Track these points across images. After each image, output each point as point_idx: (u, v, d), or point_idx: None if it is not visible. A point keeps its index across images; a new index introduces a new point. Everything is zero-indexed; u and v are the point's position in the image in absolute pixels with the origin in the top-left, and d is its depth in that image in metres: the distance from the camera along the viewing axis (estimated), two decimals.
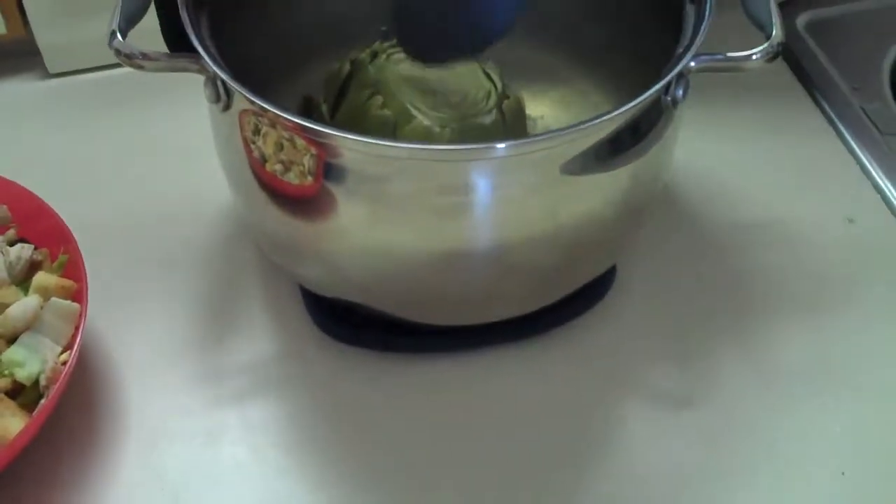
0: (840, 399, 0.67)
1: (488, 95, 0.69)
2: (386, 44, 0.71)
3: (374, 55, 0.70)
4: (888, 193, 0.78)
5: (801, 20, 0.92)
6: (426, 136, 0.67)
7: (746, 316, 0.71)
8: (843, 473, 0.63)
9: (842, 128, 0.83)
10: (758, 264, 0.74)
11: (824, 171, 0.81)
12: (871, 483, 0.63)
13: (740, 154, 0.82)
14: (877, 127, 0.82)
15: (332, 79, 0.71)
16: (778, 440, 0.65)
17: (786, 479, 0.63)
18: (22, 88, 0.88)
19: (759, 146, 0.83)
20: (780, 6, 0.91)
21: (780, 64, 0.88)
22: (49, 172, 0.78)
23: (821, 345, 0.70)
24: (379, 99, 0.68)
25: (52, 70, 0.88)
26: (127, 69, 0.59)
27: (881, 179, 0.79)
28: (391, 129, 0.67)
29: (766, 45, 0.59)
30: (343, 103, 0.70)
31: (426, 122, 0.67)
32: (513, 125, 0.70)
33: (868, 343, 0.70)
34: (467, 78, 0.69)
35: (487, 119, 0.68)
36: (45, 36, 0.86)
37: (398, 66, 0.69)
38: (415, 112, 0.67)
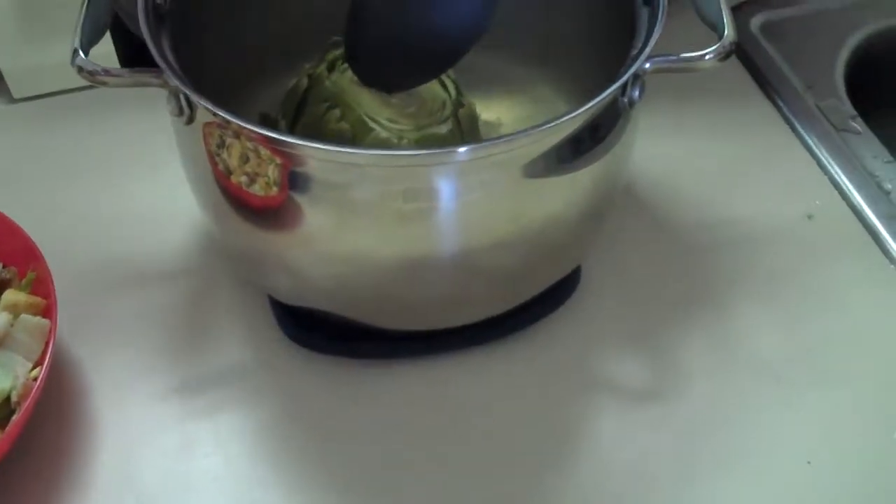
0: (804, 389, 0.68)
1: (444, 105, 0.70)
2: (339, 51, 0.71)
3: (332, 67, 0.70)
4: (845, 189, 0.80)
5: (755, 22, 0.94)
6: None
7: (711, 311, 0.72)
8: (808, 462, 0.64)
9: (797, 125, 0.84)
10: (720, 261, 0.75)
11: (782, 169, 0.82)
12: (835, 471, 0.64)
13: (699, 153, 0.83)
14: (832, 123, 0.84)
15: (290, 94, 0.71)
16: (745, 431, 0.66)
17: (754, 469, 0.64)
18: None
19: (716, 145, 0.84)
20: (735, 8, 0.94)
21: (735, 65, 0.90)
22: (16, 192, 0.78)
23: (785, 337, 0.71)
24: (336, 112, 0.68)
25: (16, 95, 0.88)
26: (91, 89, 0.59)
27: (838, 175, 0.80)
28: (349, 143, 0.67)
29: (718, 45, 0.60)
30: (301, 118, 0.70)
31: (384, 134, 0.67)
32: (468, 133, 0.71)
33: (830, 334, 0.71)
34: (422, 87, 0.69)
35: (444, 129, 0.69)
36: (8, 62, 0.86)
37: (355, 79, 0.69)
38: (372, 125, 0.67)
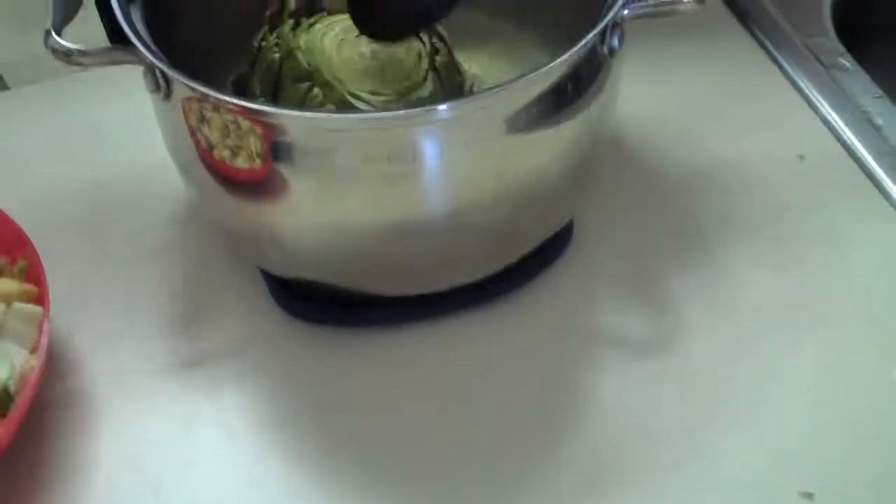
0: (803, 331, 0.68)
1: (419, 57, 0.69)
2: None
3: (296, 25, 0.69)
4: (836, 127, 0.79)
5: None
6: None
7: (706, 258, 0.72)
8: (810, 405, 0.64)
9: (785, 65, 0.83)
10: (714, 207, 0.75)
11: (771, 110, 0.81)
12: (837, 412, 0.64)
13: (686, 98, 0.82)
14: (820, 61, 0.83)
15: (265, 68, 0.68)
16: (746, 377, 0.66)
17: (756, 415, 0.64)
18: None
19: (704, 89, 0.83)
20: None
21: (720, 7, 0.89)
22: (3, 180, 0.78)
23: (781, 280, 0.71)
24: (318, 93, 0.66)
25: (11, 85, 0.88)
26: (80, 74, 0.59)
27: (828, 113, 0.80)
28: None
29: None
30: (280, 95, 0.68)
31: (368, 109, 0.67)
32: (449, 84, 0.69)
33: (827, 275, 0.71)
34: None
35: (426, 91, 0.68)
36: (2, 54, 0.86)
37: (324, 39, 0.67)
38: (355, 102, 0.66)
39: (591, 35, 0.56)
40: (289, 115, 0.57)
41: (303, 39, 0.66)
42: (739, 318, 0.69)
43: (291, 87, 0.67)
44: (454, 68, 0.71)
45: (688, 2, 0.59)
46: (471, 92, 0.72)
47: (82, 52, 0.59)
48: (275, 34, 0.67)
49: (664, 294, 0.70)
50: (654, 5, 0.60)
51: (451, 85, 0.70)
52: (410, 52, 0.69)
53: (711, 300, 0.70)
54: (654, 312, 0.70)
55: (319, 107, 0.66)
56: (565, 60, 0.56)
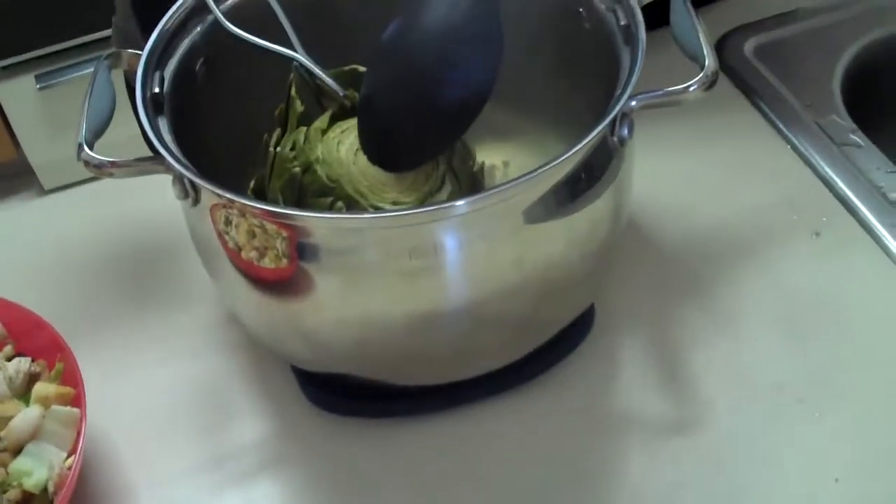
0: (826, 407, 0.68)
1: (437, 162, 0.69)
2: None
3: (306, 138, 0.68)
4: (851, 203, 0.80)
5: (749, 45, 0.95)
6: None
7: (728, 338, 0.73)
8: (836, 480, 0.64)
9: (798, 144, 0.84)
10: (733, 287, 0.76)
11: (787, 189, 0.82)
12: (864, 487, 0.64)
13: (703, 182, 0.84)
14: (832, 139, 0.85)
15: (287, 184, 0.67)
16: (771, 454, 0.66)
17: (783, 492, 0.64)
18: (20, 207, 0.89)
19: (719, 172, 0.84)
20: (728, 34, 0.95)
21: (732, 90, 0.91)
22: (40, 285, 0.81)
23: (802, 357, 0.71)
24: (341, 207, 0.65)
25: (47, 187, 0.90)
26: None
27: (842, 190, 0.81)
28: None
29: (700, 75, 0.61)
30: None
31: None
32: (466, 181, 0.71)
33: (847, 350, 0.71)
34: None
35: (444, 193, 0.68)
36: (37, 156, 0.88)
37: (339, 150, 0.67)
38: None
39: (599, 127, 0.58)
40: (312, 217, 0.59)
41: (319, 150, 0.67)
42: (763, 396, 0.69)
43: (315, 202, 0.67)
44: (467, 158, 0.72)
45: (694, 90, 0.61)
46: (481, 172, 0.73)
47: (113, 164, 0.61)
48: (291, 142, 0.68)
49: (685, 375, 0.71)
50: (662, 95, 0.62)
51: (466, 174, 0.71)
52: None
53: (734, 379, 0.70)
54: (677, 394, 0.70)
55: None
56: (576, 153, 0.58)
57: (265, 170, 0.69)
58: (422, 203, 0.67)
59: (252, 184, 0.70)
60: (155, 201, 0.81)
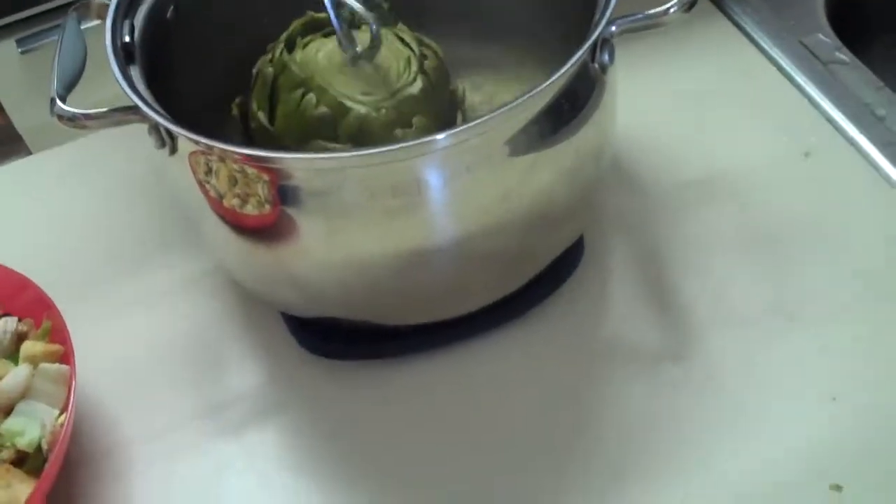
0: (819, 326, 0.68)
1: (409, 62, 0.69)
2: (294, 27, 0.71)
3: (291, 46, 0.70)
4: (839, 121, 0.79)
5: None
6: (365, 124, 0.67)
7: (719, 262, 0.72)
8: (833, 399, 0.64)
9: (784, 65, 0.83)
10: (723, 212, 0.75)
11: (774, 111, 0.81)
12: (860, 405, 0.64)
13: (688, 107, 0.83)
14: (818, 58, 0.83)
15: (261, 85, 0.70)
16: (765, 375, 0.66)
17: (779, 412, 0.64)
18: (7, 171, 0.89)
19: (705, 96, 0.83)
20: None
21: (715, 13, 0.89)
22: (27, 244, 0.80)
23: (795, 278, 0.71)
24: (312, 98, 0.67)
25: (35, 151, 0.89)
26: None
27: (830, 109, 0.80)
28: (332, 126, 0.67)
29: None
30: (277, 106, 0.69)
31: (362, 109, 0.67)
32: (439, 84, 0.70)
33: (840, 269, 0.71)
34: (385, 50, 0.69)
35: (415, 88, 0.68)
36: (24, 120, 0.87)
37: (318, 55, 0.68)
38: (349, 103, 0.67)
39: (579, 53, 0.57)
40: (290, 157, 0.58)
41: (298, 55, 0.68)
42: (755, 317, 0.69)
43: (286, 97, 0.68)
44: (445, 75, 0.71)
45: (674, 12, 0.60)
46: (464, 97, 0.73)
47: (87, 116, 0.60)
48: (269, 56, 0.69)
49: (678, 301, 0.71)
50: (642, 18, 0.61)
51: (442, 87, 0.70)
52: (400, 57, 0.69)
53: (726, 303, 0.70)
54: (669, 321, 0.70)
55: (315, 110, 0.67)
56: (557, 80, 0.57)
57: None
58: (393, 96, 0.67)
59: (234, 109, 0.70)
60: (139, 158, 0.81)
